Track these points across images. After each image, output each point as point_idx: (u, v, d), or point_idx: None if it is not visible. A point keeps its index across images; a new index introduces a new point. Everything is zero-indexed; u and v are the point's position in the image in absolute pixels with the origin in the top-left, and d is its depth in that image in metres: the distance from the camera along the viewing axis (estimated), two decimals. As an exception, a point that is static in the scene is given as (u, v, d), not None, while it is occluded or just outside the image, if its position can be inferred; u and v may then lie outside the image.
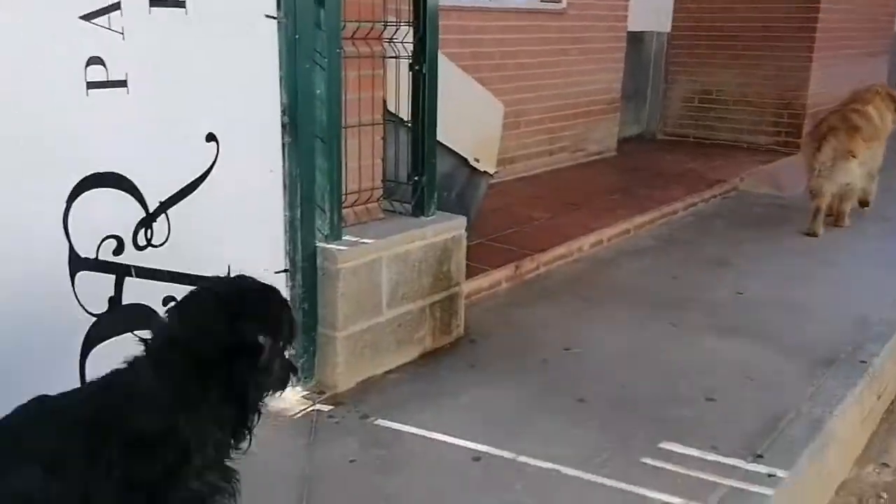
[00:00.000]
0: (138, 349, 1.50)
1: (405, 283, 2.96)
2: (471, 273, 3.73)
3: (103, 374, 1.52)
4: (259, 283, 1.57)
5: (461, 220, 3.20)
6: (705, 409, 2.69)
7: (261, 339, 1.45)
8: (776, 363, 3.04)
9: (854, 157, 4.74)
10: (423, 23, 2.82)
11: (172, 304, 1.61)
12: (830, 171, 4.75)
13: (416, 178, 3.04)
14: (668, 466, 2.33)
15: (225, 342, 1.44)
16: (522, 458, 2.38)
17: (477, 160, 3.94)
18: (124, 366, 1.49)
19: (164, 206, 2.25)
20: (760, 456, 2.37)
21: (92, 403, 1.43)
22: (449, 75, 3.58)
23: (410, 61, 2.90)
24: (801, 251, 4.57)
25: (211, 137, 2.32)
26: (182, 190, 2.28)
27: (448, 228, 3.12)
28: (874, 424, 3.02)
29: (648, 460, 2.37)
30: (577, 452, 2.41)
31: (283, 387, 1.54)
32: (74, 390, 1.53)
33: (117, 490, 1.35)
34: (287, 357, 1.56)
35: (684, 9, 7.58)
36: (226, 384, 1.45)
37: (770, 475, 2.27)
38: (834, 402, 2.70)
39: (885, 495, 2.64)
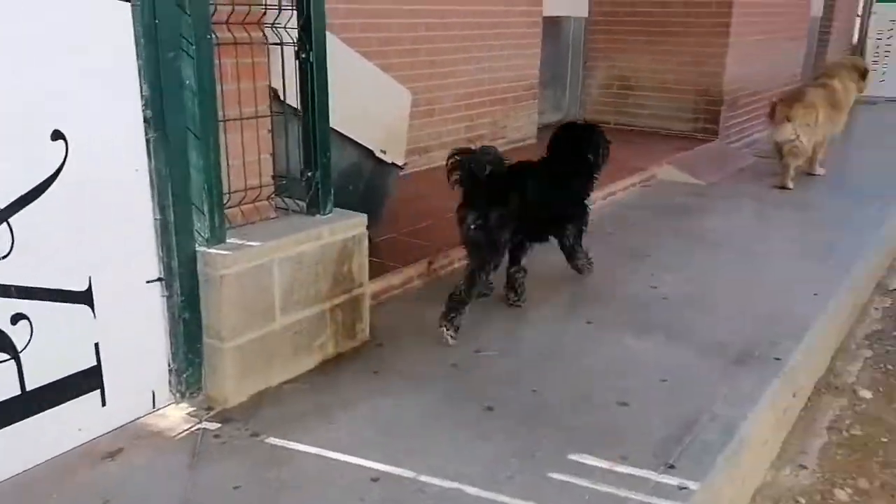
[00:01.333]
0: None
1: (300, 287, 2.73)
2: (380, 271, 3.55)
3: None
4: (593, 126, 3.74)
5: (361, 218, 2.98)
6: (617, 415, 2.56)
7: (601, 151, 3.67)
8: (690, 363, 2.94)
9: (789, 120, 5.66)
10: (306, 6, 2.57)
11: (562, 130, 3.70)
12: (776, 131, 5.79)
13: (309, 174, 2.80)
14: (576, 480, 2.19)
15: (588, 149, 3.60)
16: (424, 478, 2.21)
17: (383, 151, 3.72)
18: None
19: (4, 215, 1.96)
20: (672, 466, 2.24)
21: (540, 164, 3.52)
22: (347, 62, 3.36)
23: (296, 49, 2.65)
24: (719, 241, 4.52)
25: (57, 135, 2.03)
26: (25, 196, 1.99)
27: (347, 227, 2.90)
28: (790, 424, 2.95)
29: (556, 474, 2.22)
30: (483, 468, 2.24)
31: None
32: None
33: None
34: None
35: (599, -5, 7.53)
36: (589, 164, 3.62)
37: (681, 487, 2.15)
38: (748, 403, 2.60)
39: (802, 500, 2.56)
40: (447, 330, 3.05)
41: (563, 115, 7.85)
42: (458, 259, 3.96)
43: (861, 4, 12.17)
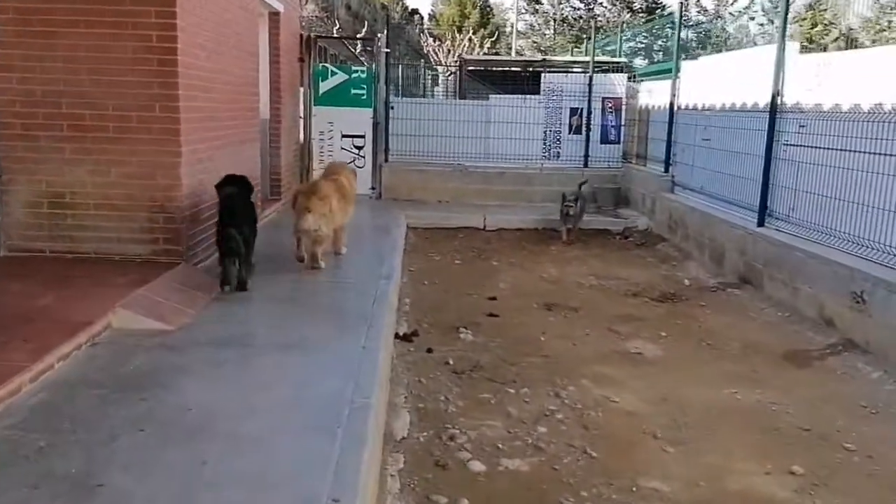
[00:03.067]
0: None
1: None
2: None
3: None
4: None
5: None
6: None
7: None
8: None
9: (310, 211, 6.29)
10: None
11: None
12: (300, 221, 6.37)
13: None
14: None
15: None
16: None
17: None
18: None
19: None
20: None
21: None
22: None
23: None
24: (201, 426, 3.40)
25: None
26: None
27: None
28: None
29: None
30: None
31: None
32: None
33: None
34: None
35: (4, 90, 5.83)
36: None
37: None
38: None
39: None
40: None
41: (-29, 246, 5.84)
42: None
43: (302, 107, 12.73)
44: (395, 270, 7.08)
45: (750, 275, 7.76)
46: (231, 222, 5.64)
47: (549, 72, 13.81)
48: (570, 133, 13.09)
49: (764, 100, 8.03)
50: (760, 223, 7.90)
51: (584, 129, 13.00)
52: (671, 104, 11.00)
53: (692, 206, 9.67)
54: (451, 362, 5.26)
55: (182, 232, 6.19)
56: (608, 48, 17.41)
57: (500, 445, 3.99)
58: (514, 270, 8.54)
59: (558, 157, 13.12)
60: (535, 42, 41.98)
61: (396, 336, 5.64)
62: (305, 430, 3.42)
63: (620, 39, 16.16)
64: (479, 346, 5.71)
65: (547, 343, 5.84)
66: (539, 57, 19.84)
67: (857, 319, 5.86)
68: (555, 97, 13.03)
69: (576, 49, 32.67)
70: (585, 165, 12.97)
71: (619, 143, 13.16)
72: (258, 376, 4.12)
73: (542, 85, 13.09)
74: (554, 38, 40.25)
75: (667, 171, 11.15)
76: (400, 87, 19.07)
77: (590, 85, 12.92)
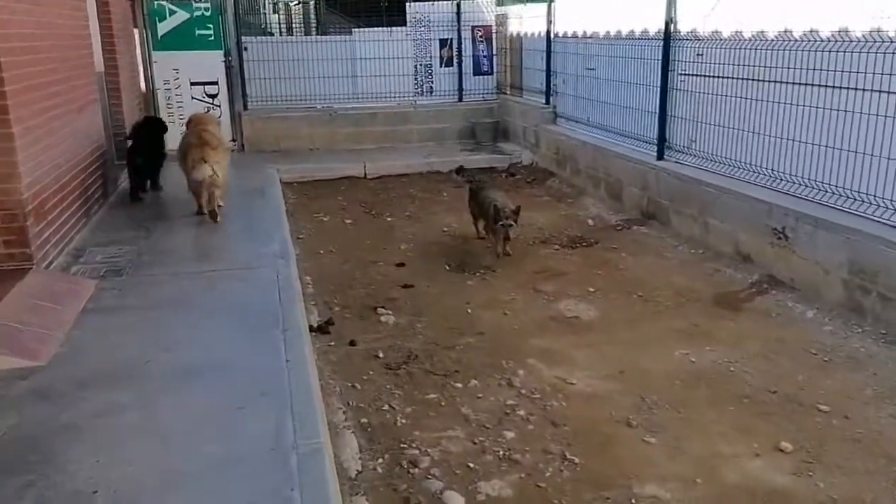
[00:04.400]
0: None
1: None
2: None
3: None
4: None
5: None
6: None
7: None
8: None
9: (206, 161, 6.58)
10: None
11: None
12: (195, 172, 6.62)
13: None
14: None
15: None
16: None
17: None
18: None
19: None
20: None
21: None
22: None
23: None
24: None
25: None
26: None
27: None
28: None
29: None
30: None
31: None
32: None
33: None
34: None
35: None
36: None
37: None
38: None
39: None
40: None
41: None
42: None
43: (140, 55, 11.20)
44: (289, 245, 6.28)
45: (654, 210, 7.60)
46: (139, 149, 7.54)
47: (414, 0, 12.91)
48: (441, 66, 12.39)
49: (654, 26, 7.73)
50: (660, 156, 7.71)
51: (455, 61, 12.34)
52: (548, 32, 10.55)
53: (582, 139, 9.37)
54: (380, 355, 4.65)
55: (28, 230, 5.07)
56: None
57: (470, 464, 3.47)
58: (413, 226, 7.93)
59: (431, 92, 12.43)
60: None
61: (310, 329, 4.94)
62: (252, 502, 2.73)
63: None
64: (405, 328, 5.12)
65: (476, 316, 5.34)
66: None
67: (779, 255, 5.78)
68: (422, 28, 12.22)
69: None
70: (460, 99, 12.41)
71: (492, 73, 12.63)
72: (169, 427, 3.32)
73: (407, 15, 12.22)
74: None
75: (548, 102, 10.79)
76: (238, 23, 17.31)
77: (458, 13, 12.19)
